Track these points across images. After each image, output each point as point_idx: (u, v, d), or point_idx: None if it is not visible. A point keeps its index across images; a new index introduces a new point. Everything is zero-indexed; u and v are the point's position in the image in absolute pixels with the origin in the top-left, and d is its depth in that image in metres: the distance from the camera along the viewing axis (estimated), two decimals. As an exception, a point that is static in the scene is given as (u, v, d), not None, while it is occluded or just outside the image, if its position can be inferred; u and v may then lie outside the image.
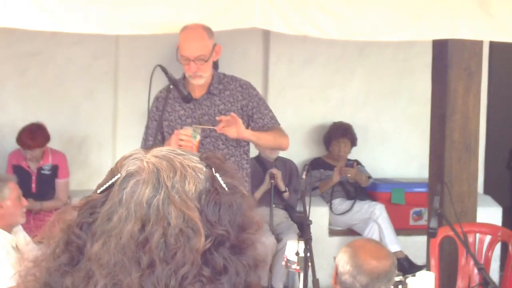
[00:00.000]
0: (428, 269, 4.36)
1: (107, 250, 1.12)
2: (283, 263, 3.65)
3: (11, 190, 3.81)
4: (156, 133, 3.88)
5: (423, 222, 5.94)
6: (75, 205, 1.19)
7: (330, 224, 5.97)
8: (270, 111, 4.02)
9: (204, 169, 1.19)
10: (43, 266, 1.17)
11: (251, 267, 1.17)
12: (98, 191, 1.18)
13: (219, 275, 1.13)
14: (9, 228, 3.78)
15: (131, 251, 1.11)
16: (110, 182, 1.18)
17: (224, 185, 1.18)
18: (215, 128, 3.78)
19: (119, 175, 1.18)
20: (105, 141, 6.06)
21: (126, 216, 1.13)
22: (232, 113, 3.78)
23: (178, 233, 1.11)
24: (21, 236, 3.84)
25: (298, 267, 3.52)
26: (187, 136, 3.69)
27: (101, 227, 1.14)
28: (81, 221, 1.16)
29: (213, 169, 1.19)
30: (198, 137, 3.74)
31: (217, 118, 3.80)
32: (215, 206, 1.15)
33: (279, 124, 4.05)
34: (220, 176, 1.18)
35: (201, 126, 3.78)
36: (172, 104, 3.92)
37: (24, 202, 3.89)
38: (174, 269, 1.10)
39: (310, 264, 3.45)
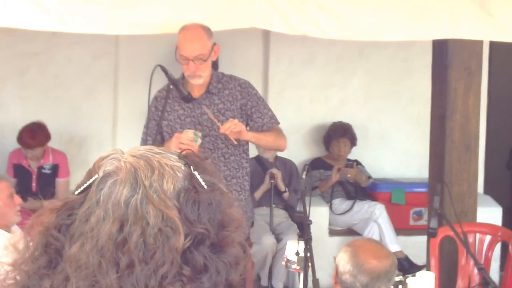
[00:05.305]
0: (428, 269, 4.35)
1: (85, 251, 1.10)
2: (283, 263, 3.65)
3: (2, 190, 3.72)
4: (156, 133, 3.87)
5: (423, 222, 5.94)
6: (53, 207, 1.17)
7: (330, 224, 5.97)
8: (270, 110, 4.02)
9: (183, 167, 1.17)
10: (22, 269, 1.15)
11: (232, 265, 1.15)
12: (76, 192, 1.17)
13: (200, 274, 1.12)
14: (5, 228, 3.72)
15: (110, 251, 1.10)
16: (88, 183, 1.16)
17: (203, 183, 1.16)
18: (219, 124, 3.77)
19: (96, 175, 1.16)
20: (105, 141, 6.06)
21: (104, 217, 1.11)
22: (234, 120, 3.77)
23: (157, 233, 1.10)
24: (18, 235, 3.78)
25: (298, 267, 3.52)
26: (188, 140, 3.68)
27: (79, 228, 1.12)
28: (59, 223, 1.14)
29: (191, 167, 1.18)
30: (199, 141, 3.71)
31: (221, 131, 3.77)
32: (194, 204, 1.14)
33: (279, 123, 4.04)
34: (199, 174, 1.17)
35: (212, 118, 3.76)
36: (171, 104, 3.91)
37: (18, 200, 3.79)
38: (153, 269, 1.09)
39: (310, 264, 3.44)
